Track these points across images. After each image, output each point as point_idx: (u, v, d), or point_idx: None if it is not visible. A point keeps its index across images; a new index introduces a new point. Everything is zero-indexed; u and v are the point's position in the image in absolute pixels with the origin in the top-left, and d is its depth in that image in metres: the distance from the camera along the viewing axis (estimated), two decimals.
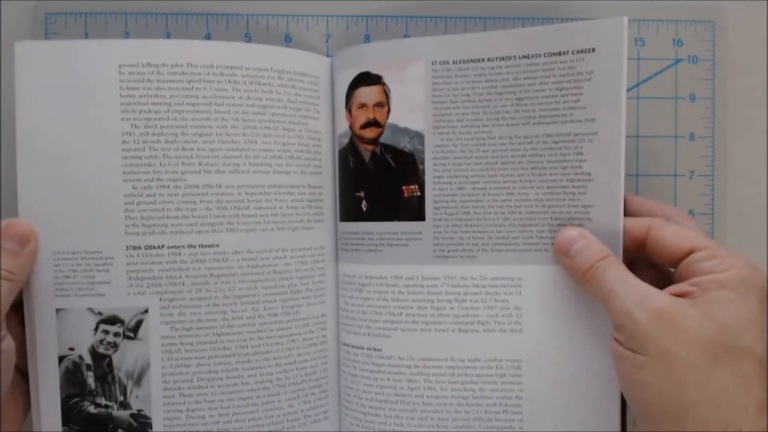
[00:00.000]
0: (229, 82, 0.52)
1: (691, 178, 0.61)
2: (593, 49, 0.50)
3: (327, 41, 0.61)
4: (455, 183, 0.54)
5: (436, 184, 0.54)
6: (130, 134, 0.50)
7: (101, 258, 0.50)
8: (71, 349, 0.51)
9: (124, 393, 0.51)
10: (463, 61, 0.53)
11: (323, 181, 0.56)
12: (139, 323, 0.51)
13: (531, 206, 0.52)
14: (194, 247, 0.51)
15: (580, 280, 0.50)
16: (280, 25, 0.60)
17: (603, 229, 0.50)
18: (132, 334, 0.51)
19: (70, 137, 0.50)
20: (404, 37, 0.61)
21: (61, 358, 0.51)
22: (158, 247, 0.51)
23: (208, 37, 0.60)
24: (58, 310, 0.50)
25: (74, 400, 0.51)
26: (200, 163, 0.51)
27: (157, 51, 0.51)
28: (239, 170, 0.52)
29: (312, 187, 0.55)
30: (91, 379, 0.51)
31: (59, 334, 0.51)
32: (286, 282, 0.54)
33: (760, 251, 0.61)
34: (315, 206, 0.55)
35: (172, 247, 0.51)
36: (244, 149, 0.52)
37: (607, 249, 0.49)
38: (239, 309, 0.53)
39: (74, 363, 0.51)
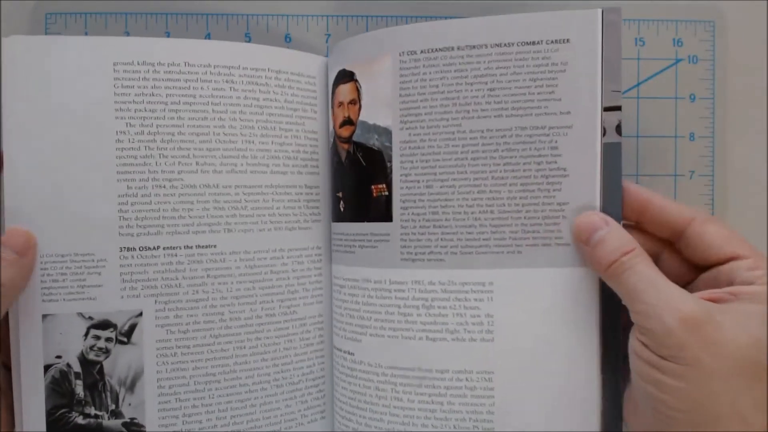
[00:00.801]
0: (227, 81, 0.50)
1: (691, 178, 0.59)
2: (567, 40, 0.47)
3: (327, 41, 0.59)
4: (423, 181, 0.49)
5: (404, 183, 0.50)
6: (124, 133, 0.48)
7: (93, 260, 0.48)
8: (58, 357, 0.48)
9: (116, 401, 0.49)
10: (432, 51, 0.49)
11: (320, 181, 0.54)
12: (132, 327, 0.48)
13: (503, 205, 0.48)
14: (191, 248, 0.49)
15: (602, 273, 0.45)
16: (280, 25, 0.59)
17: None
18: (125, 339, 0.48)
19: (61, 135, 0.47)
20: None
21: (47, 367, 0.48)
22: (154, 248, 0.48)
23: (208, 37, 0.58)
24: (44, 316, 0.47)
25: (60, 412, 0.48)
26: (197, 163, 0.49)
27: (152, 50, 0.49)
28: (236, 170, 0.50)
29: (309, 188, 0.53)
30: (79, 388, 0.48)
31: (45, 342, 0.48)
32: (283, 282, 0.52)
33: (761, 251, 0.58)
34: (312, 206, 0.53)
35: (168, 248, 0.49)
36: (241, 149, 0.50)
37: (632, 240, 0.44)
38: (237, 310, 0.50)
39: (61, 372, 0.48)
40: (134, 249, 0.48)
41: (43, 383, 0.48)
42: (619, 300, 0.45)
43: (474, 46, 0.48)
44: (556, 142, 0.47)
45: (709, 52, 0.59)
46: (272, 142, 0.51)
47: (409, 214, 0.50)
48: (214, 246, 0.50)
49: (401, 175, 0.50)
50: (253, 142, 0.50)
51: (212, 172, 0.49)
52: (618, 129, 0.47)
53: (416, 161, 0.49)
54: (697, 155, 0.59)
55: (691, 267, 0.47)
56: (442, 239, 0.49)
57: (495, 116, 0.48)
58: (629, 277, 0.43)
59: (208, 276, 0.50)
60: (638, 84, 0.59)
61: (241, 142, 0.50)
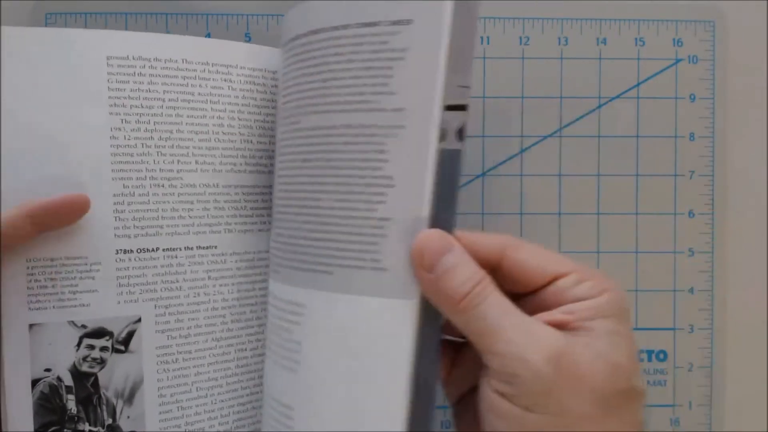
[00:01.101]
0: (225, 80, 0.46)
1: (691, 178, 0.56)
2: (410, 21, 0.36)
3: None
4: (279, 185, 0.42)
5: (278, 187, 0.43)
6: (119, 129, 0.43)
7: (86, 264, 0.42)
8: (47, 370, 0.42)
9: (113, 414, 0.43)
10: (293, 39, 0.41)
11: None
12: (130, 334, 0.43)
13: (321, 215, 0.39)
14: (191, 249, 0.45)
15: (451, 309, 0.35)
16: (280, 25, 0.54)
17: (402, 252, 0.36)
18: (122, 347, 0.43)
19: (54, 131, 0.42)
20: None
21: (34, 382, 0.42)
22: (152, 250, 0.44)
23: (208, 37, 0.54)
24: (31, 326, 0.42)
25: (51, 430, 0.42)
26: (197, 162, 0.45)
27: (149, 45, 0.44)
28: (236, 170, 0.46)
29: None
30: (71, 403, 0.42)
31: (33, 354, 0.42)
32: None
33: (760, 251, 0.56)
34: None
35: (167, 249, 0.44)
36: (240, 149, 0.46)
37: (480, 269, 0.36)
38: (238, 312, 0.46)
39: (51, 386, 0.42)
40: (131, 251, 0.43)
41: (31, 400, 0.42)
42: (435, 345, 0.37)
43: (316, 31, 0.39)
44: (384, 144, 0.37)
45: (709, 52, 0.56)
46: (269, 143, 0.47)
47: (273, 220, 0.43)
48: (215, 247, 0.46)
49: (278, 178, 0.43)
50: (251, 142, 0.47)
51: (212, 171, 0.45)
52: (460, 133, 0.37)
53: (280, 162, 0.42)
54: (697, 155, 0.56)
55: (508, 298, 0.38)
56: (282, 249, 0.42)
57: (325, 112, 0.39)
58: (484, 311, 0.35)
59: (209, 278, 0.45)
60: (638, 84, 0.56)
61: (239, 142, 0.46)
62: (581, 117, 0.55)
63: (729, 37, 0.56)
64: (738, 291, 0.56)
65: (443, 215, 0.37)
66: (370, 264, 0.37)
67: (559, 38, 0.55)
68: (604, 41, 0.55)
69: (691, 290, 0.55)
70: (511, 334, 0.34)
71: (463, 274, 0.35)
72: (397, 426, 0.37)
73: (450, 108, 0.36)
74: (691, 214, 0.56)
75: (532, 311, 0.36)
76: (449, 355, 0.42)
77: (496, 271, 0.38)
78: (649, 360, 0.55)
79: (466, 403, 0.41)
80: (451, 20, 0.36)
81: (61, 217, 0.41)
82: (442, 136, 0.36)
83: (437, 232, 0.36)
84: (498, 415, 0.34)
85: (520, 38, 0.55)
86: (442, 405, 0.44)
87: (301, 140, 0.40)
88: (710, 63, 0.56)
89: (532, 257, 0.37)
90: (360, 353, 0.38)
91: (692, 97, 0.56)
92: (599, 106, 0.55)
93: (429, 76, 0.36)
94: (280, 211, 0.42)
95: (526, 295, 0.38)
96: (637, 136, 0.55)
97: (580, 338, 0.34)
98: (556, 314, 0.36)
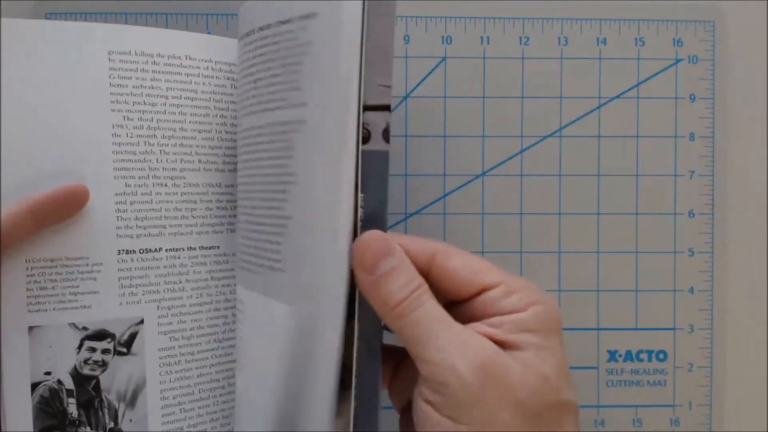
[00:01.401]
0: (228, 78, 0.44)
1: (691, 178, 0.54)
2: (315, 15, 0.35)
3: None
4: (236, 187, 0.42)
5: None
6: (122, 127, 0.41)
7: (87, 265, 0.40)
8: (47, 373, 0.40)
9: (115, 418, 0.41)
10: (239, 40, 0.40)
11: None
12: (133, 336, 0.41)
13: (251, 214, 0.38)
14: (194, 249, 0.43)
15: (387, 314, 0.34)
16: None
17: (301, 253, 0.36)
18: (124, 350, 0.41)
19: (54, 128, 0.40)
20: (404, 37, 0.53)
21: (34, 385, 0.39)
22: (156, 250, 0.42)
23: None
24: (31, 328, 0.40)
25: None
26: (200, 161, 0.43)
27: (151, 40, 0.42)
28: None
29: None
30: (72, 407, 0.40)
31: (32, 357, 0.39)
32: None
33: (760, 251, 0.55)
34: None
35: (170, 249, 0.42)
36: None
37: (419, 275, 0.35)
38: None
39: (51, 390, 0.40)
40: (134, 251, 0.41)
41: (31, 404, 0.40)
42: (375, 349, 0.36)
43: (248, 33, 0.39)
44: (291, 140, 0.36)
45: (709, 52, 0.54)
46: None
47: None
48: (218, 247, 0.44)
49: (238, 179, 0.42)
50: None
51: (215, 170, 0.44)
52: (385, 134, 0.35)
53: (238, 162, 0.41)
54: (697, 155, 0.55)
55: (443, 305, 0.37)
56: (237, 249, 0.41)
57: (254, 113, 0.38)
58: (419, 317, 0.34)
59: (211, 278, 0.44)
60: (638, 84, 0.54)
61: None
62: (581, 117, 0.54)
63: (729, 37, 0.55)
64: (738, 291, 0.54)
65: (374, 217, 0.35)
66: (274, 265, 0.37)
67: (559, 38, 0.53)
68: (604, 41, 0.54)
69: (691, 290, 0.54)
70: (443, 342, 0.33)
71: (401, 278, 0.34)
72: (326, 427, 0.36)
73: (372, 108, 0.34)
74: (691, 214, 0.54)
75: (463, 321, 0.35)
76: (391, 363, 0.41)
77: (426, 277, 0.36)
78: (649, 360, 0.54)
79: (410, 411, 0.40)
80: (364, 16, 0.34)
81: (61, 209, 0.39)
82: (366, 138, 0.34)
83: (380, 234, 0.35)
84: (429, 425, 0.33)
85: (520, 38, 0.53)
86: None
87: (242, 141, 0.40)
88: (710, 63, 0.54)
89: (461, 266, 0.36)
90: (288, 356, 0.37)
91: (692, 97, 0.54)
92: (599, 106, 0.54)
93: (331, 70, 0.34)
94: (238, 212, 0.41)
95: (459, 303, 0.37)
96: (637, 136, 0.54)
97: (509, 349, 0.34)
98: (482, 327, 0.34)
